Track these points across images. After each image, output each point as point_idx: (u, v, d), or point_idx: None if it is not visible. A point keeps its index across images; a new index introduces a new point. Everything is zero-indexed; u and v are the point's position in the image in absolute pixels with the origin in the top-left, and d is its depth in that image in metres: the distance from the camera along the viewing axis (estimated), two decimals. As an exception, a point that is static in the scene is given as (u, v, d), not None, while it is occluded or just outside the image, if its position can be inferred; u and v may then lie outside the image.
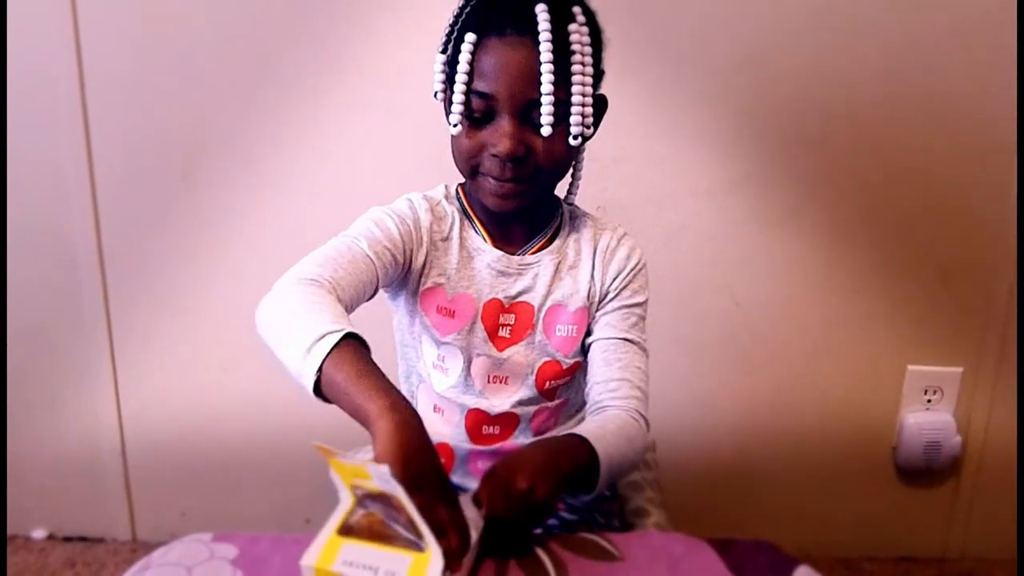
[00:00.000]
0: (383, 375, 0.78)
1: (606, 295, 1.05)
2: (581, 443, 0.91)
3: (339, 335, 0.79)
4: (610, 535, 0.85)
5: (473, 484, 1.14)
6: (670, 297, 1.57)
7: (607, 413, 0.99)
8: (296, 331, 0.81)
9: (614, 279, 1.05)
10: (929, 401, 1.66)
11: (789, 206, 1.55)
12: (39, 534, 1.74)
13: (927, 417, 1.66)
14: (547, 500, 0.83)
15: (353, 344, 0.79)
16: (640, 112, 1.48)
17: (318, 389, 0.79)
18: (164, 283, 1.59)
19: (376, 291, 0.96)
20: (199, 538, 0.81)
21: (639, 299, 1.06)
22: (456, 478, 1.15)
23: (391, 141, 1.50)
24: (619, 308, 1.04)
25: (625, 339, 1.03)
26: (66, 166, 1.52)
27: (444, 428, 1.09)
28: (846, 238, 1.57)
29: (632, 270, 1.05)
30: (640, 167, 1.51)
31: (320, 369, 0.78)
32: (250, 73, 1.48)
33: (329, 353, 0.78)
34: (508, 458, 0.86)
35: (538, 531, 0.87)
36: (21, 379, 1.64)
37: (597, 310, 1.05)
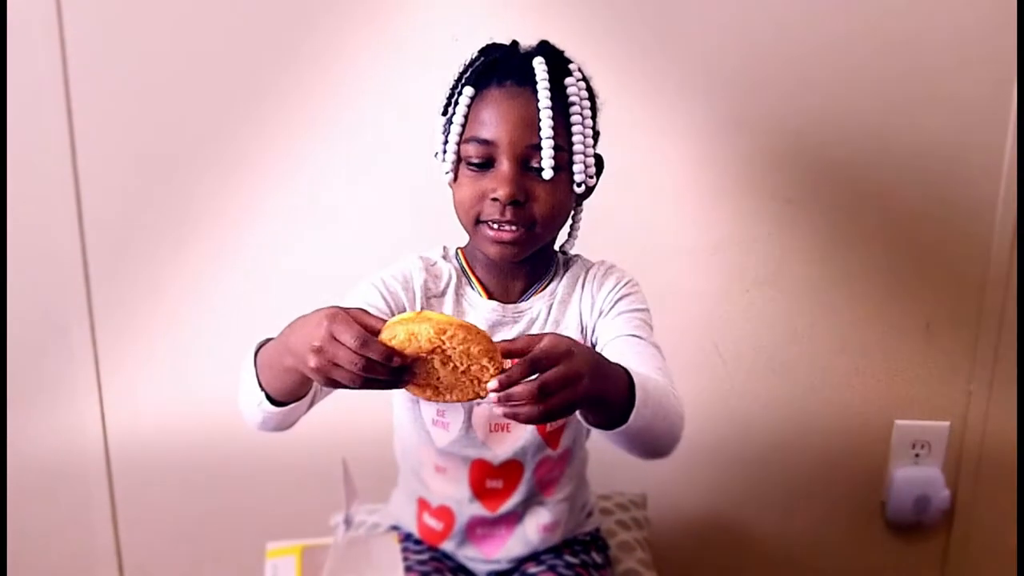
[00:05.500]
0: None
1: (600, 313, 1.04)
2: (623, 372, 0.82)
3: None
4: (602, 600, 0.86)
5: (472, 551, 1.14)
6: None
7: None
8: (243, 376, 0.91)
9: (606, 296, 1.04)
10: (917, 455, 1.67)
11: (772, 264, 1.58)
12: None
13: (916, 471, 1.67)
14: (585, 390, 0.75)
15: None
16: (626, 174, 1.50)
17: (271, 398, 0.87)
18: (156, 343, 1.59)
19: None
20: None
21: (639, 306, 1.04)
22: (452, 546, 1.15)
23: (394, 200, 1.51)
24: (620, 314, 1.02)
25: (633, 336, 0.98)
26: (49, 162, 1.49)
27: (448, 488, 1.10)
28: (830, 295, 1.60)
29: (624, 285, 1.05)
30: (628, 228, 1.54)
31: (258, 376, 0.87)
32: (246, 114, 1.49)
33: (256, 353, 0.88)
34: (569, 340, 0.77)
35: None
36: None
37: (592, 331, 1.03)
